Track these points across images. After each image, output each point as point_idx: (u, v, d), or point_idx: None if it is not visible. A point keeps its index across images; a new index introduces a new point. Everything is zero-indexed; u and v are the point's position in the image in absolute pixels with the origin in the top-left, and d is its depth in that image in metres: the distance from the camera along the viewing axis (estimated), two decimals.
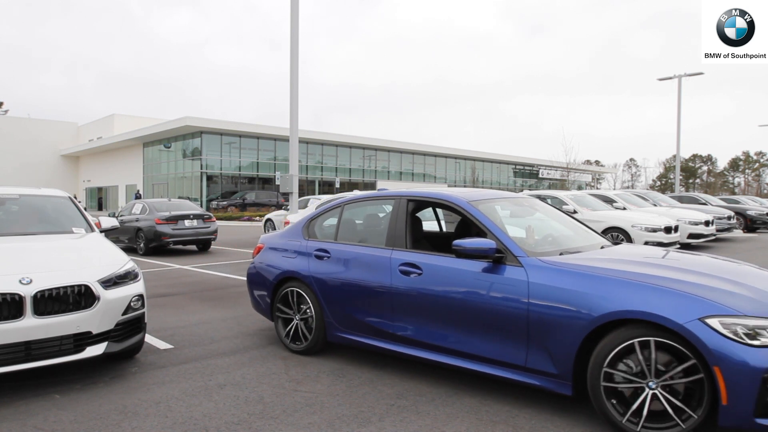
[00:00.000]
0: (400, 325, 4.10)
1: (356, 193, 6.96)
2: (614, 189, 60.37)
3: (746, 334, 2.80)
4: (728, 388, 2.76)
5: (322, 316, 4.62)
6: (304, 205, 15.45)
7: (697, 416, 2.86)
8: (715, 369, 2.78)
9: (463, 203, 4.11)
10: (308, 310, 4.73)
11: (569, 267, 3.45)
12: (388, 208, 4.62)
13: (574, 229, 4.62)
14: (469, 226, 4.72)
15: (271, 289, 5.04)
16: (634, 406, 3.00)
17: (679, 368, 2.90)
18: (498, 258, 3.63)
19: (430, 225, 5.76)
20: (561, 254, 3.77)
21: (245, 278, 5.72)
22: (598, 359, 3.12)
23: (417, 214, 4.83)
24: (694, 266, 3.55)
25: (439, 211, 5.86)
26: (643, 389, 3.00)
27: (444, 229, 5.91)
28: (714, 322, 2.83)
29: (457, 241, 3.74)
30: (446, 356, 3.84)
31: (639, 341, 2.99)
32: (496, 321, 3.55)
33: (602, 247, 4.18)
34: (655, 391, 2.96)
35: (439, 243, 4.94)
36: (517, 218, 4.67)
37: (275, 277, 5.01)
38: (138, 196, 36.17)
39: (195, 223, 14.08)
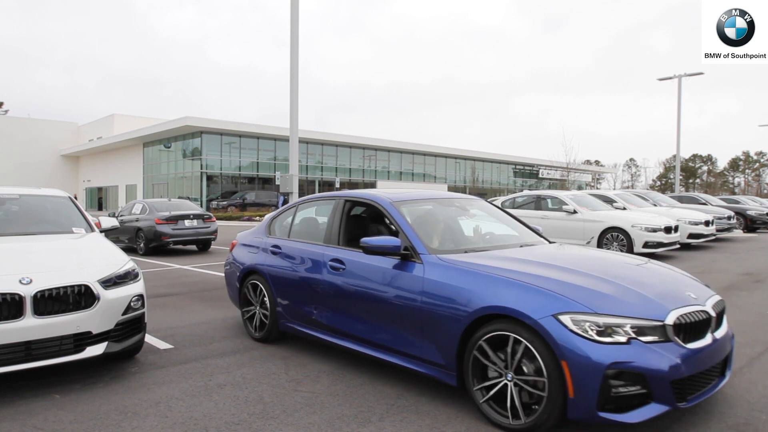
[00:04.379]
0: (329, 316, 4.45)
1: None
2: (614, 189, 60.34)
3: (596, 331, 2.90)
4: (574, 382, 2.86)
5: (275, 307, 5.01)
6: None
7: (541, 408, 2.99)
8: (563, 363, 2.89)
9: (385, 203, 4.38)
10: (265, 301, 5.11)
11: (458, 264, 3.64)
12: (331, 207, 4.91)
13: (514, 228, 4.91)
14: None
15: (239, 282, 5.51)
16: (500, 400, 3.19)
17: (534, 362, 3.02)
18: (405, 255, 3.88)
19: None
20: (466, 252, 3.96)
21: None
22: (469, 352, 3.32)
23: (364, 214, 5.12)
24: (578, 265, 3.65)
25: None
26: (504, 383, 3.18)
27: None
28: (566, 319, 2.95)
29: (364, 239, 4.00)
30: (363, 346, 4.14)
31: (497, 335, 3.19)
32: (398, 313, 3.80)
33: (521, 246, 4.34)
34: (512, 384, 3.13)
35: None
36: (466, 219, 4.96)
37: (241, 271, 5.50)
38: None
39: (195, 223, 14.07)
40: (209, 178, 40.83)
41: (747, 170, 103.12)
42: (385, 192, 4.74)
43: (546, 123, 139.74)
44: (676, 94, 32.31)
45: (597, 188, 68.88)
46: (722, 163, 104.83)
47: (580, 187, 57.84)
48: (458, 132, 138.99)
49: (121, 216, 14.82)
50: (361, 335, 4.15)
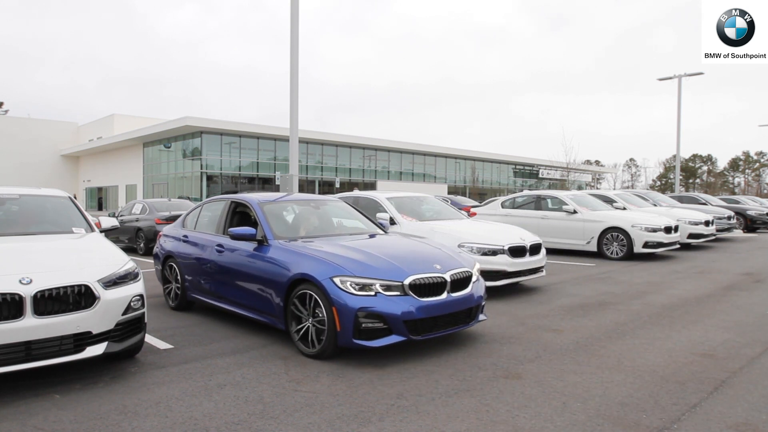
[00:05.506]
0: (216, 287, 5.86)
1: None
2: (614, 189, 60.34)
3: (355, 288, 4.37)
4: (340, 320, 4.32)
5: (183, 282, 6.45)
6: None
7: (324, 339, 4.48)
8: (333, 309, 4.35)
9: (253, 203, 5.82)
10: (178, 278, 6.55)
11: (288, 247, 5.09)
12: (222, 205, 6.43)
13: (362, 222, 6.40)
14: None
15: (161, 265, 6.98)
16: (305, 336, 4.66)
17: (320, 309, 4.47)
18: (260, 241, 5.32)
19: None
20: (302, 239, 5.37)
21: None
22: (289, 305, 4.78)
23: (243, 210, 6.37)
24: (370, 247, 5.10)
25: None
26: (307, 324, 4.64)
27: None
28: (337, 280, 4.42)
29: (231, 228, 5.52)
30: (239, 308, 5.53)
31: (304, 293, 4.63)
32: (254, 282, 5.23)
33: (351, 234, 5.85)
34: (310, 325, 4.61)
35: None
36: (327, 215, 6.46)
37: (162, 256, 6.97)
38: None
39: None
40: (209, 178, 40.81)
41: (747, 170, 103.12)
42: (256, 194, 6.18)
43: (546, 123, 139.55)
44: (677, 94, 32.31)
45: (597, 188, 68.88)
46: (722, 163, 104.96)
47: (580, 187, 57.84)
48: (458, 132, 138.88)
49: (121, 216, 14.81)
50: (236, 300, 5.54)
